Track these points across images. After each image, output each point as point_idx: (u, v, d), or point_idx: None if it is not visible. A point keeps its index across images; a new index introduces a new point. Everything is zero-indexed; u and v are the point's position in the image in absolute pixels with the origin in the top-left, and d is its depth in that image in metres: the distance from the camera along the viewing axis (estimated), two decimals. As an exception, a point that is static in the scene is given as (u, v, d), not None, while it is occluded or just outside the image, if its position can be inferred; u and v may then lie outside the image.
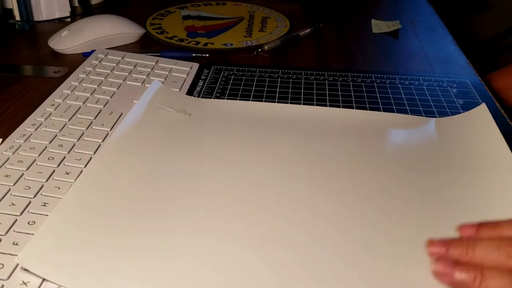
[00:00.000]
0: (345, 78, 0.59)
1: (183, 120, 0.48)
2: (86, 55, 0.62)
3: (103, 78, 0.55)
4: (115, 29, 0.66)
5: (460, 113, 0.51)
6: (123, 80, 0.55)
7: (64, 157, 0.42)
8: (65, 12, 0.75)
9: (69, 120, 0.47)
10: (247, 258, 0.33)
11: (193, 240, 0.34)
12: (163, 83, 0.55)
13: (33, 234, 0.34)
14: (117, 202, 0.37)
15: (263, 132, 0.46)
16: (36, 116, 0.47)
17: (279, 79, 0.58)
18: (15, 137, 0.44)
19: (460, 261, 0.30)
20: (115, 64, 0.58)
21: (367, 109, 0.52)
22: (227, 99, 0.53)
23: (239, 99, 0.53)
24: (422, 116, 0.51)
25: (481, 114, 0.47)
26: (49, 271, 0.31)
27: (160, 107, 0.48)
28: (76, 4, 0.79)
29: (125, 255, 0.32)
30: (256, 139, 0.45)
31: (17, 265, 0.32)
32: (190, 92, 0.54)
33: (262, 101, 0.53)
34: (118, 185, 0.38)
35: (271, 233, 0.35)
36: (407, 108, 0.52)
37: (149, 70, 0.58)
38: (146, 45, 0.68)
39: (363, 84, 0.58)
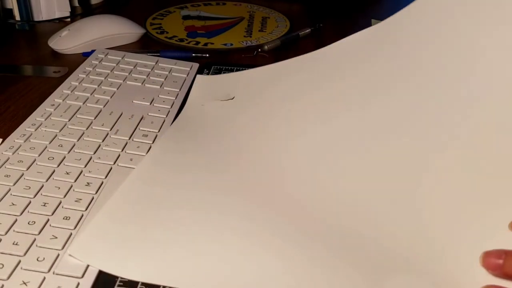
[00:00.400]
0: (345, 78, 0.59)
1: (228, 105, 0.48)
2: (86, 55, 0.62)
3: (103, 78, 0.55)
4: (115, 29, 0.66)
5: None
6: (123, 80, 0.55)
7: (64, 157, 0.42)
8: (65, 12, 0.75)
9: (69, 120, 0.47)
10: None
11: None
12: (164, 80, 0.55)
13: (33, 234, 0.34)
14: (168, 192, 0.38)
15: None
16: (36, 116, 0.47)
17: (279, 79, 0.58)
18: (15, 137, 0.44)
19: None
20: (115, 64, 0.58)
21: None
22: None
23: (239, 99, 0.53)
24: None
25: None
26: (99, 261, 0.32)
27: (203, 104, 0.49)
28: (76, 4, 0.79)
29: (176, 243, 0.34)
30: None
31: (17, 265, 0.32)
32: (189, 93, 0.54)
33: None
34: (171, 174, 0.40)
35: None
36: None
37: (149, 70, 0.58)
38: (146, 45, 0.68)
39: (363, 84, 0.58)
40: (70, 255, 0.32)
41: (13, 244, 0.33)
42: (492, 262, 0.30)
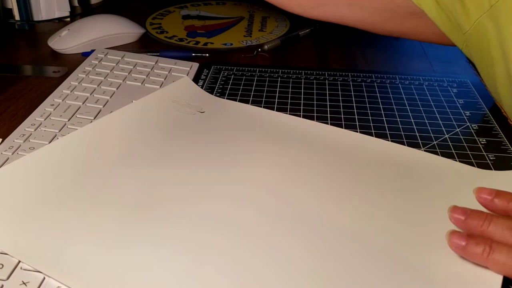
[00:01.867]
0: (345, 78, 0.59)
1: (191, 116, 0.48)
2: (86, 55, 0.62)
3: (102, 78, 0.55)
4: (114, 29, 0.66)
5: (460, 112, 0.51)
6: (123, 80, 0.55)
7: (64, 157, 0.42)
8: (65, 12, 0.75)
9: (68, 120, 0.47)
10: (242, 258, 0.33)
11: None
12: (164, 80, 0.55)
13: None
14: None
15: (270, 142, 0.45)
16: (35, 116, 0.47)
17: (279, 79, 0.58)
18: (15, 137, 0.44)
19: (473, 232, 0.33)
20: (114, 64, 0.58)
21: (367, 109, 0.52)
22: (227, 99, 0.53)
23: (239, 99, 0.53)
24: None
25: None
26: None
27: (176, 101, 0.49)
28: (76, 4, 0.79)
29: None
30: (259, 146, 0.45)
31: (17, 265, 0.32)
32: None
33: (262, 100, 0.53)
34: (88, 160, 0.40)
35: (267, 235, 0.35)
36: (408, 107, 0.52)
37: (149, 70, 0.58)
38: (146, 45, 0.68)
39: (363, 84, 0.58)
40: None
41: (13, 244, 0.33)
42: (456, 217, 0.34)
